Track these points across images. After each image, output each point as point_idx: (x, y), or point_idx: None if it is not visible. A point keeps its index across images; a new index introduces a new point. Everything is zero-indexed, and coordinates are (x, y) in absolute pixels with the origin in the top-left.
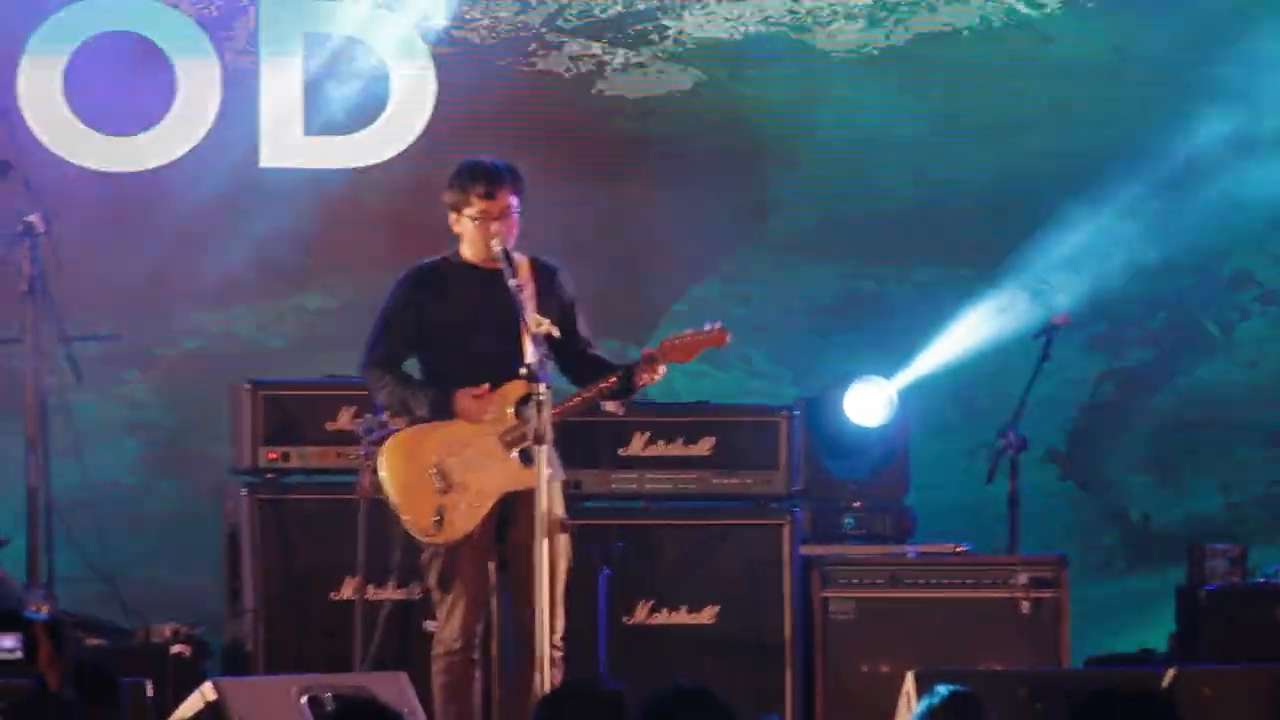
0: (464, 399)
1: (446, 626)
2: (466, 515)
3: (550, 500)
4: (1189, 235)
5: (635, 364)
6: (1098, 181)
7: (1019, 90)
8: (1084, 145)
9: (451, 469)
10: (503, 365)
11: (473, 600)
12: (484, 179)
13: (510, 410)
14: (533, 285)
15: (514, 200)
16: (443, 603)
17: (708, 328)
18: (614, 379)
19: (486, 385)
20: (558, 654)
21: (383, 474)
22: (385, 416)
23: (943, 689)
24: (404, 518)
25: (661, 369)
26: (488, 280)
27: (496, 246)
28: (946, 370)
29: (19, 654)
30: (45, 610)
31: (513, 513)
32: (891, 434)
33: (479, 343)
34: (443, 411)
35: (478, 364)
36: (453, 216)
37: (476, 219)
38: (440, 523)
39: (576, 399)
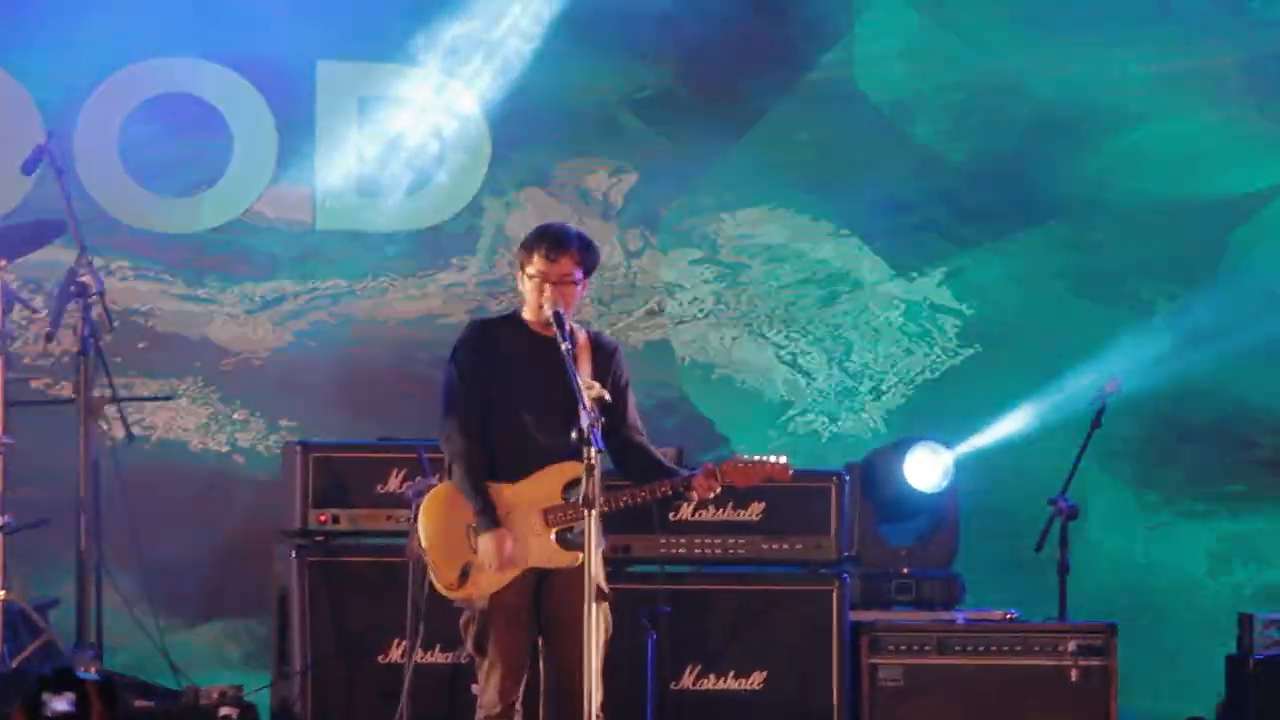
0: (494, 541)
1: (485, 693)
2: (491, 578)
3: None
4: None
5: (692, 475)
6: None
7: None
8: None
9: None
10: (552, 430)
11: (509, 666)
12: (549, 241)
13: (559, 489)
14: (589, 358)
15: (577, 271)
16: (480, 668)
17: (773, 460)
18: (669, 487)
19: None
20: None
21: (420, 521)
22: (435, 479)
23: None
24: (430, 567)
25: (718, 487)
26: (543, 344)
27: (548, 310)
28: (1004, 441)
29: (72, 713)
30: (94, 671)
31: (551, 582)
32: (942, 501)
33: (529, 405)
34: (481, 529)
35: (527, 426)
36: (519, 274)
37: (534, 278)
38: (463, 580)
39: (627, 497)
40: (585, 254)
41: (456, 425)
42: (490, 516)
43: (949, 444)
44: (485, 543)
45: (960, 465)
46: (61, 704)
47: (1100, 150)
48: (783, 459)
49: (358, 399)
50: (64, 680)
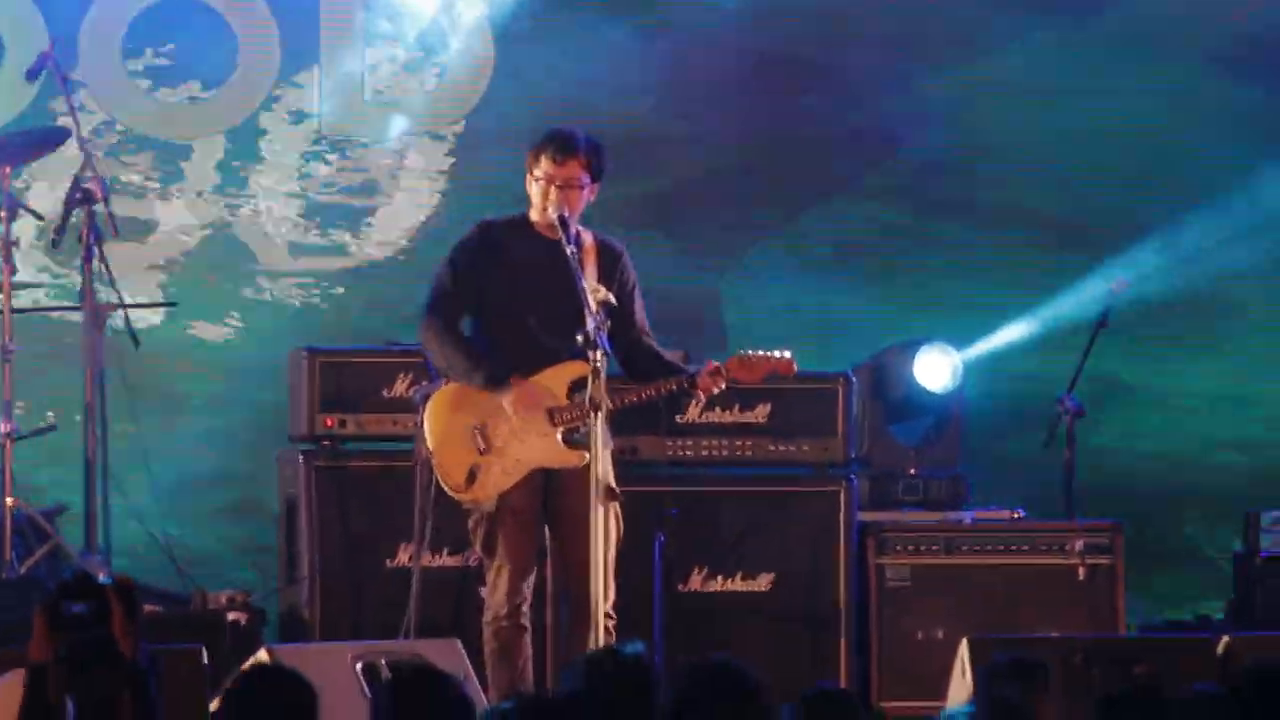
0: (519, 390)
1: (494, 594)
2: (498, 479)
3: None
4: None
5: (699, 373)
6: None
7: None
8: None
9: (493, 431)
10: (557, 332)
11: (517, 568)
12: (556, 143)
13: (565, 388)
14: (595, 262)
15: (584, 175)
16: (489, 570)
17: (777, 354)
18: (674, 385)
19: (543, 385)
20: (610, 623)
21: (425, 423)
22: (441, 383)
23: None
24: (437, 469)
25: (723, 383)
26: (550, 247)
27: (552, 213)
28: (1013, 343)
29: (90, 616)
30: (105, 575)
31: (559, 483)
32: (949, 401)
33: (535, 307)
34: (496, 389)
35: (532, 329)
36: (527, 177)
37: (540, 180)
38: (471, 481)
39: (634, 397)
40: (593, 158)
41: (435, 317)
42: (500, 377)
43: (958, 345)
44: (509, 401)
45: (969, 366)
46: (79, 607)
47: None
48: (787, 353)
49: (365, 298)
50: (83, 584)
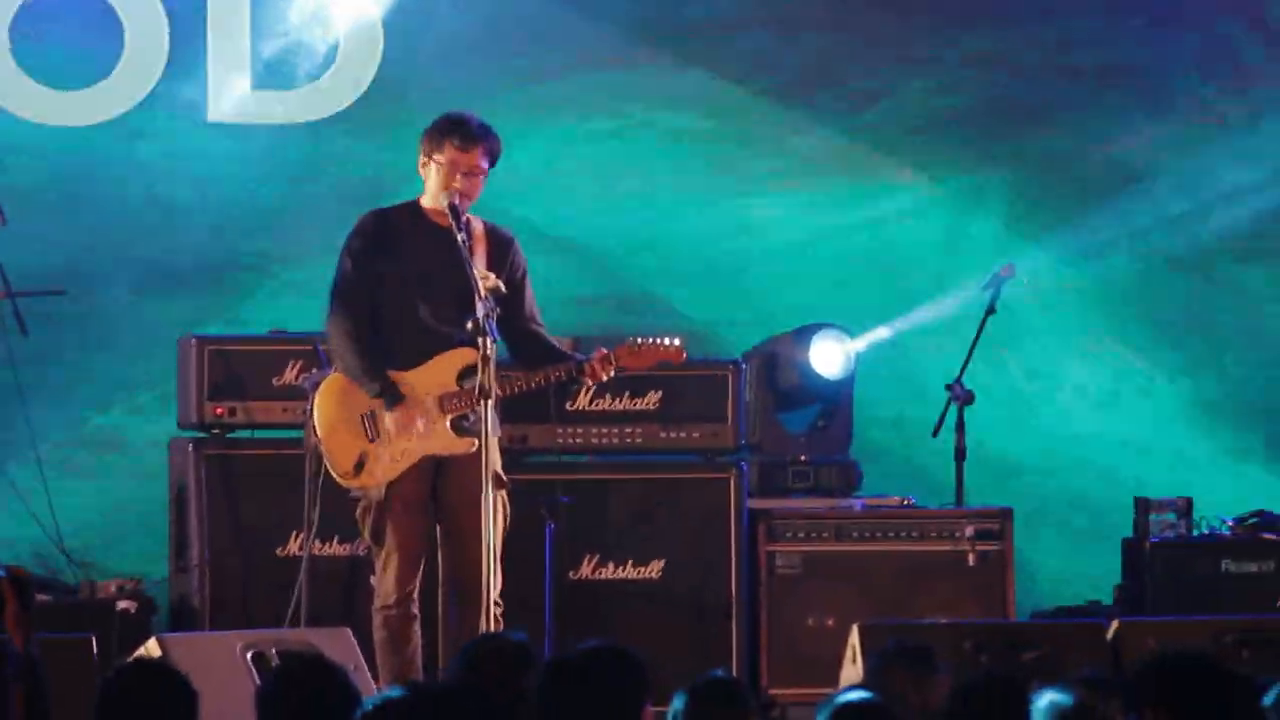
0: (397, 413)
1: (383, 582)
2: (387, 467)
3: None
4: None
5: (587, 361)
6: None
7: None
8: None
9: (383, 419)
10: (448, 319)
11: (406, 556)
12: (464, 129)
13: (454, 376)
14: (485, 249)
15: (484, 161)
16: (378, 558)
17: (667, 342)
18: (563, 372)
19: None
20: (497, 610)
21: (314, 411)
22: (330, 371)
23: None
24: (326, 457)
25: (611, 370)
26: (441, 233)
27: (451, 198)
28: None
29: None
30: None
31: (448, 470)
32: (840, 388)
33: (425, 294)
34: (388, 400)
35: (423, 316)
36: (422, 161)
37: (443, 166)
38: (359, 469)
39: (523, 384)
40: (495, 144)
41: (343, 312)
42: (393, 393)
43: (852, 332)
44: (395, 418)
45: (861, 353)
46: None
47: None
48: (677, 341)
49: (254, 284)
50: None
